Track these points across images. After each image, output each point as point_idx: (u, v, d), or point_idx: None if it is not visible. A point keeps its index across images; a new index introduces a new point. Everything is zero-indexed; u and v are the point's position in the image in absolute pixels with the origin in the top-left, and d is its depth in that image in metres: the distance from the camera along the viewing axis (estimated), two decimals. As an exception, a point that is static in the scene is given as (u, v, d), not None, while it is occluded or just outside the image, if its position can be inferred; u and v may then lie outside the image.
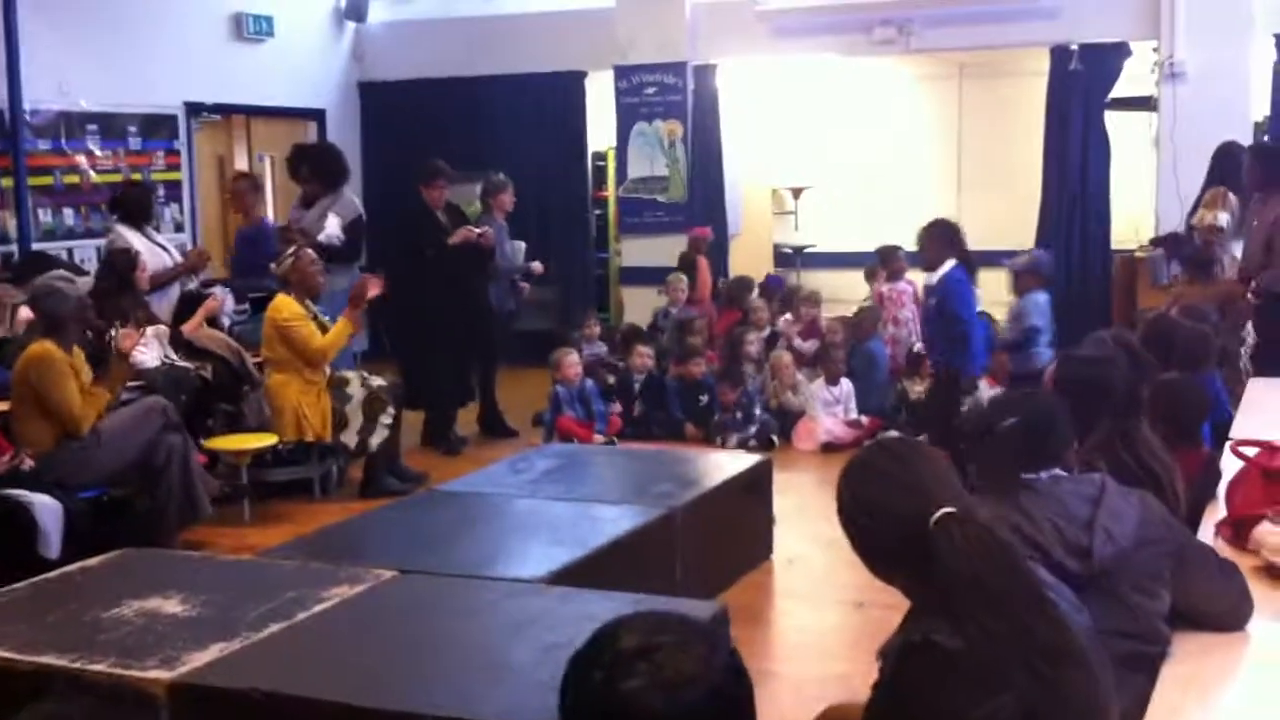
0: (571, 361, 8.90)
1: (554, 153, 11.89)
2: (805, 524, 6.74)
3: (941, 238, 7.14)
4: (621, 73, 11.26)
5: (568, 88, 11.89)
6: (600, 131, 11.98)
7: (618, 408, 8.95)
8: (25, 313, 6.60)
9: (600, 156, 12.30)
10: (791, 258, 12.51)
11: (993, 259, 10.58)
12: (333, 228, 8.00)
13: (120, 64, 10.05)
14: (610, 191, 12.14)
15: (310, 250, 7.38)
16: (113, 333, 6.32)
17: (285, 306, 7.19)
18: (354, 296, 7.41)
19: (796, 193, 12.46)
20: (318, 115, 12.19)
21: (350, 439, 7.23)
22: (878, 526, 2.19)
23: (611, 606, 3.10)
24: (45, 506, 5.49)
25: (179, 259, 8.18)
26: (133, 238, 8.03)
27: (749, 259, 11.71)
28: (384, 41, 12.54)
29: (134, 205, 8.16)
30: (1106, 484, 2.82)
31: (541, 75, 11.83)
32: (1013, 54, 10.95)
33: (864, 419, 8.81)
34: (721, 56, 11.21)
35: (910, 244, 10.16)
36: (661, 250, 11.17)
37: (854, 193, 12.22)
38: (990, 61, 11.37)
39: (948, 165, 11.99)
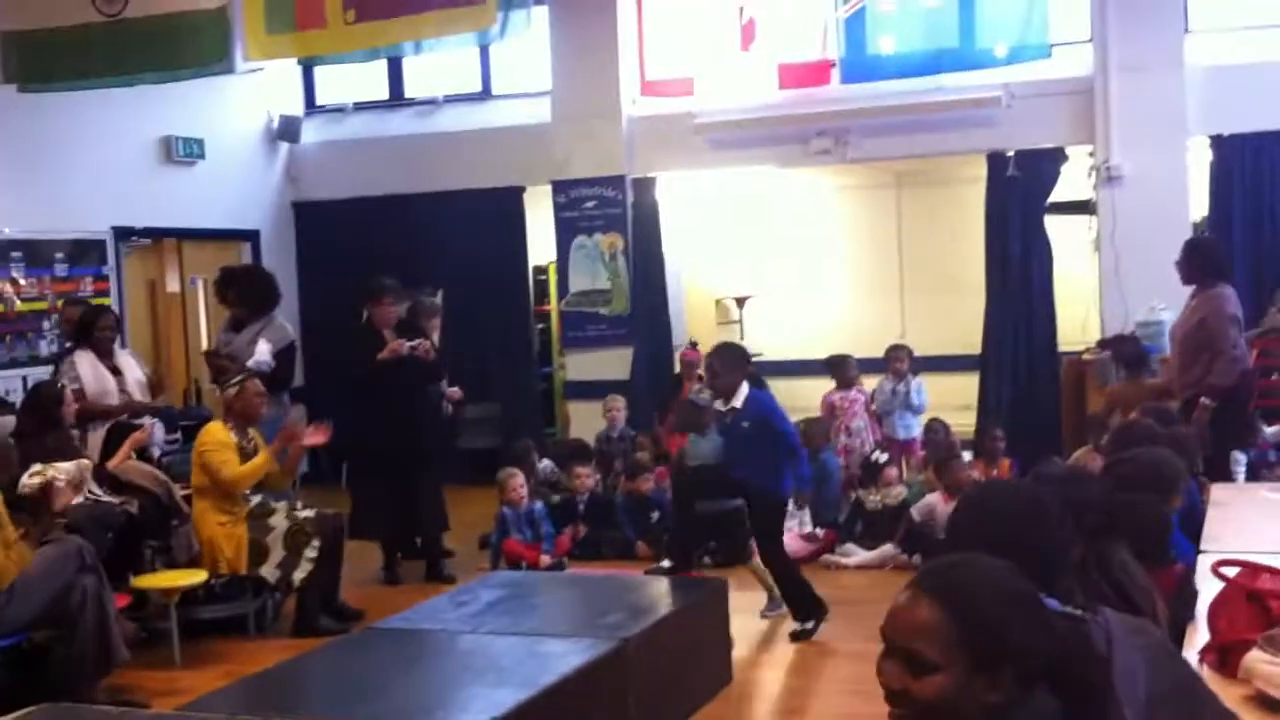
0: (517, 484, 8.65)
1: (493, 268, 11.73)
2: (764, 645, 6.52)
3: (734, 362, 6.87)
4: (559, 187, 11.18)
5: (506, 203, 11.78)
6: (540, 246, 11.86)
7: (573, 531, 8.69)
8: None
9: (541, 271, 12.17)
10: (737, 368, 12.36)
11: (939, 364, 10.56)
12: (263, 354, 7.75)
13: (45, 190, 9.85)
14: (553, 305, 11.99)
15: (257, 380, 7.14)
16: (29, 478, 6.02)
17: (210, 433, 6.96)
18: (283, 436, 7.16)
19: (740, 302, 12.37)
20: (251, 236, 12.00)
21: (270, 572, 6.92)
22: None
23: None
24: (-45, 660, 5.13)
25: (134, 386, 7.88)
26: (84, 363, 7.76)
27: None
28: (317, 161, 12.41)
29: (94, 329, 7.91)
30: (1112, 630, 2.55)
31: (479, 191, 11.73)
32: (950, 161, 10.98)
33: (819, 531, 8.60)
34: (660, 170, 11.17)
35: (859, 350, 10.17)
36: (606, 364, 11.02)
37: (799, 301, 12.16)
38: (927, 169, 11.40)
39: (890, 272, 11.95)
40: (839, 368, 9.91)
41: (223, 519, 6.95)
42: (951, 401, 10.33)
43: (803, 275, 12.12)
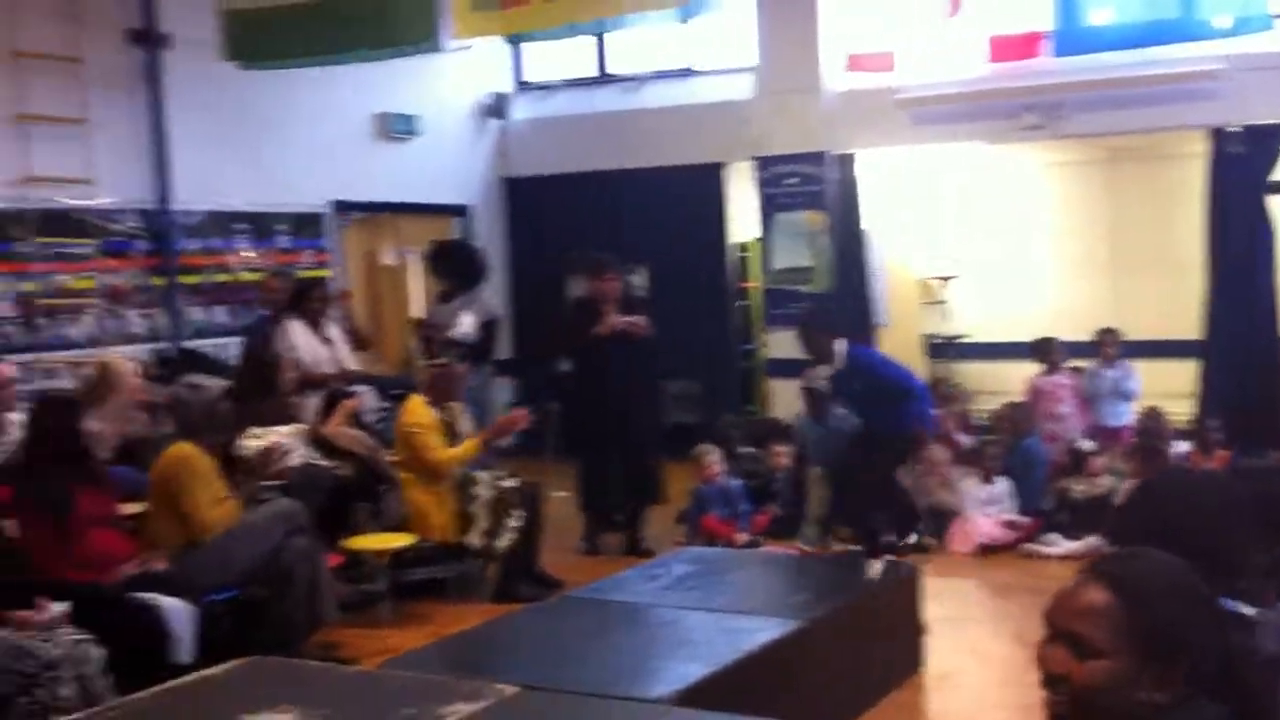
0: (712, 461, 8.72)
1: (695, 245, 11.81)
2: (961, 634, 6.41)
3: (819, 328, 6.94)
4: (762, 163, 11.16)
5: (707, 179, 11.84)
6: (741, 223, 11.87)
7: (770, 510, 8.72)
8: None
9: (743, 248, 12.19)
10: (944, 348, 12.18)
11: (1154, 349, 10.19)
12: (467, 325, 7.99)
13: (268, 165, 10.30)
14: (754, 283, 11.99)
15: (461, 366, 7.36)
16: (249, 440, 6.36)
17: (414, 411, 7.19)
18: (498, 428, 7.36)
19: (945, 282, 12.16)
20: (463, 211, 12.33)
21: (476, 539, 7.14)
22: None
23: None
24: (176, 610, 5.45)
25: (346, 354, 8.26)
26: (298, 333, 8.15)
27: (898, 350, 11.36)
28: (526, 138, 12.67)
29: (308, 300, 8.32)
30: None
31: (681, 168, 11.80)
32: (1165, 137, 10.55)
33: (1022, 519, 8.41)
34: (861, 146, 11.03)
35: (1067, 333, 9.87)
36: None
37: (1006, 281, 11.88)
38: (1142, 145, 10.97)
39: (1101, 251, 11.57)
40: (1044, 350, 9.66)
41: (429, 487, 7.20)
42: (1166, 388, 9.95)
43: (1009, 255, 11.83)
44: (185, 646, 5.45)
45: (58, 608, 5.06)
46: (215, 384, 6.38)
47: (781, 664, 4.81)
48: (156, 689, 4.38)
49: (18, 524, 5.46)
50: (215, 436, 6.11)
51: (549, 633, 5.16)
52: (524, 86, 12.96)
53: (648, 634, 5.10)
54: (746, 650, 4.68)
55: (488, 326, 8.20)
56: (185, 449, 5.94)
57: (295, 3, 8.88)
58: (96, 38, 9.16)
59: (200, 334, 9.74)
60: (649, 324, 8.37)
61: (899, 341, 11.58)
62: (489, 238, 12.48)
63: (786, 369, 11.11)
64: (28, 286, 8.68)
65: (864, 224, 11.16)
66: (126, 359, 6.84)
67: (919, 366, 11.55)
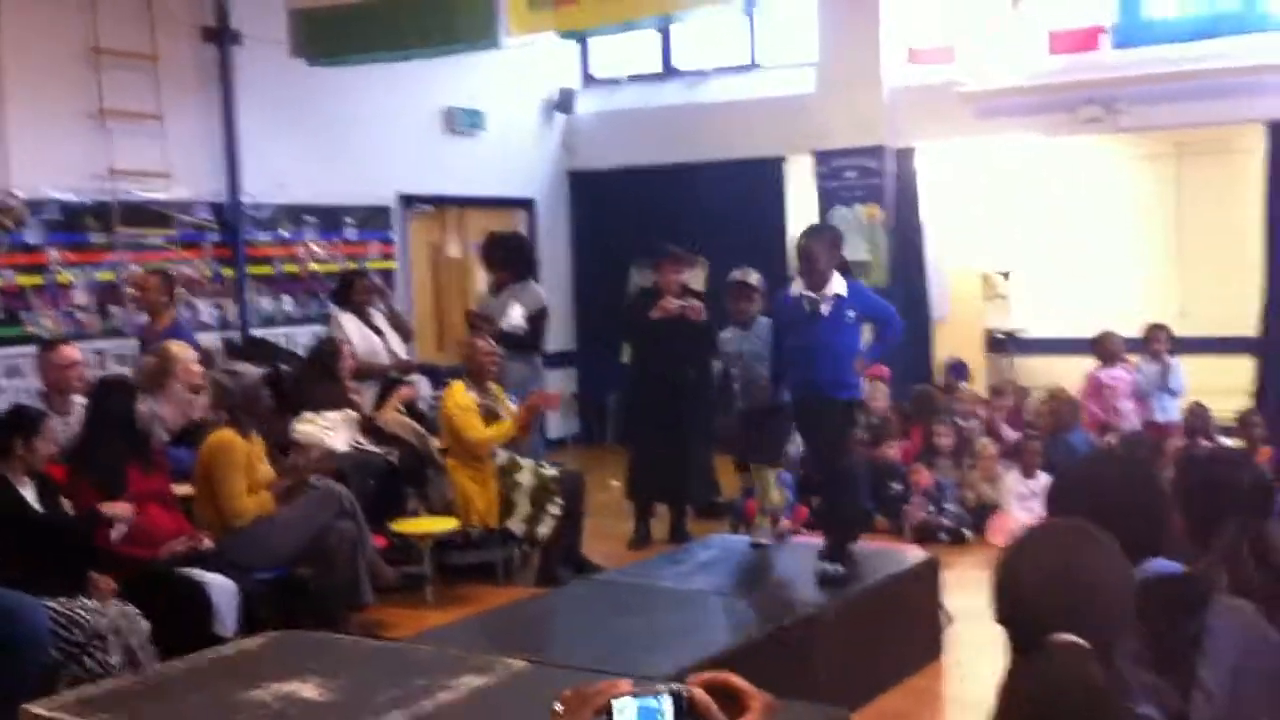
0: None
1: (754, 238, 11.88)
2: (986, 626, 6.48)
3: (833, 243, 5.89)
4: (821, 157, 11.24)
5: (767, 173, 11.97)
6: (801, 216, 11.95)
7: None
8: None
9: (803, 241, 12.25)
10: (1004, 343, 12.17)
11: (1214, 345, 10.11)
12: (516, 316, 8.20)
13: (337, 159, 10.59)
14: (813, 276, 12.04)
15: (485, 340, 7.58)
16: (301, 424, 6.63)
17: (453, 394, 7.41)
18: (530, 406, 7.57)
19: (1005, 276, 12.14)
20: (528, 204, 12.57)
21: (517, 526, 7.36)
22: None
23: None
24: (220, 586, 5.73)
25: (397, 344, 8.54)
26: (349, 324, 8.46)
27: (958, 344, 11.46)
28: (591, 132, 12.88)
29: (353, 292, 8.61)
30: (1214, 597, 2.61)
31: (742, 162, 11.93)
32: (1228, 130, 10.45)
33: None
34: (922, 139, 11.08)
35: (1129, 328, 9.82)
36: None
37: (1068, 276, 11.83)
38: (1205, 138, 10.88)
39: (1164, 247, 11.48)
40: (1103, 344, 9.65)
41: (472, 474, 7.43)
42: (1228, 384, 9.89)
43: (1071, 249, 11.78)
44: (228, 621, 5.73)
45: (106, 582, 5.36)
46: (253, 370, 6.63)
47: (785, 647, 4.95)
48: (192, 656, 4.67)
49: (73, 503, 5.75)
50: (254, 422, 6.36)
51: (568, 612, 5.37)
52: (590, 81, 13.16)
53: (661, 615, 5.27)
54: (748, 633, 4.83)
55: (536, 317, 8.39)
56: (225, 435, 6.22)
57: (361, 2, 9.16)
58: (171, 36, 9.48)
59: (269, 322, 10.07)
60: (704, 311, 8.46)
61: (959, 336, 11.62)
62: (553, 231, 12.71)
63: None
64: (103, 275, 9.05)
65: (923, 218, 11.20)
66: (185, 345, 7.10)
67: (979, 361, 11.59)
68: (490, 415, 7.53)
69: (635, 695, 1.54)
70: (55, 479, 5.76)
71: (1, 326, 8.49)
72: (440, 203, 11.75)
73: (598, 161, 12.77)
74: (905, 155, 11.11)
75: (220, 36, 9.86)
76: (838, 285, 5.82)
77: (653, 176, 12.33)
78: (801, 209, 11.81)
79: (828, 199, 11.28)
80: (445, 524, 7.33)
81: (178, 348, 7.07)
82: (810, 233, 6.01)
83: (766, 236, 11.96)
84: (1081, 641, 2.00)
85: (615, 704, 1.54)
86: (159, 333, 7.89)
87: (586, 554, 7.75)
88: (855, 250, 11.15)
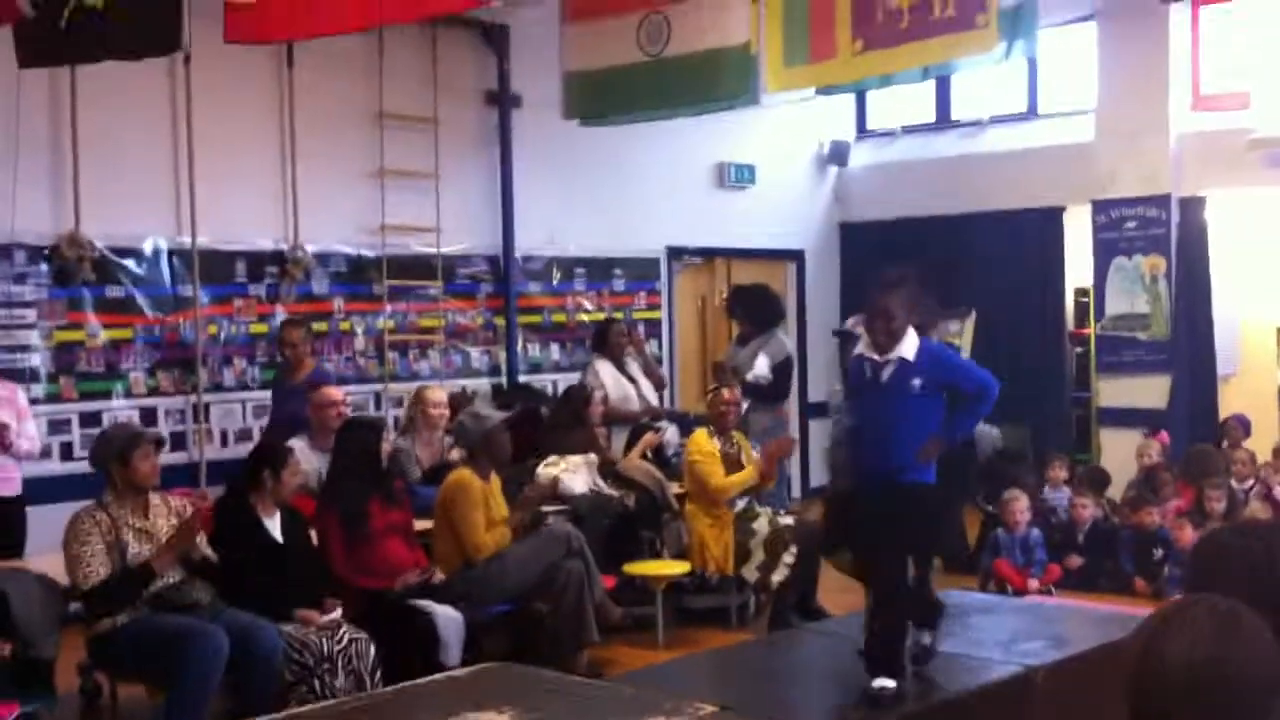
0: (1020, 508, 8.57)
1: (1030, 289, 11.62)
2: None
3: (913, 299, 5.05)
4: (1100, 207, 10.83)
5: (1045, 223, 11.65)
6: (1078, 268, 11.56)
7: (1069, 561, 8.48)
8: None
9: (1084, 293, 11.84)
10: (1300, 401, 11.36)
11: None
12: (761, 368, 8.26)
13: (608, 212, 10.95)
14: (1092, 329, 11.63)
15: (730, 389, 7.67)
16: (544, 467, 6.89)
17: (695, 442, 7.53)
18: (769, 454, 7.60)
19: (1304, 332, 11.34)
20: (797, 255, 12.62)
21: (751, 574, 7.38)
22: None
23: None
24: (447, 618, 6.00)
25: (649, 391, 8.78)
26: (605, 371, 8.75)
27: (1247, 400, 10.77)
28: (864, 183, 12.83)
29: (608, 339, 8.90)
30: None
31: (1019, 212, 11.65)
32: None
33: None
34: (1209, 188, 10.52)
35: None
36: (1141, 391, 10.55)
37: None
38: None
39: None
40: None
41: (710, 520, 7.52)
42: None
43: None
44: (453, 651, 5.99)
45: (337, 610, 5.70)
46: (496, 415, 6.90)
47: (990, 709, 4.79)
48: (405, 683, 4.91)
49: (318, 533, 6.15)
50: (491, 463, 6.64)
51: (770, 659, 5.34)
52: (865, 133, 13.13)
53: (861, 669, 5.18)
54: (951, 691, 4.71)
55: (781, 367, 8.43)
56: (463, 475, 6.51)
57: (628, 64, 9.46)
58: (454, 100, 10.06)
59: (535, 369, 10.48)
60: None
61: (1250, 391, 10.95)
62: (823, 282, 12.70)
63: (1119, 418, 10.74)
64: (382, 324, 9.64)
65: (1211, 269, 10.63)
66: (436, 388, 7.48)
67: (1270, 419, 10.85)
68: (732, 463, 7.61)
69: None
70: (303, 512, 6.17)
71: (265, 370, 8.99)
72: (709, 254, 11.94)
73: (870, 213, 12.71)
74: (1192, 205, 10.58)
75: (501, 100, 10.38)
76: (906, 347, 5.02)
77: (925, 226, 12.16)
78: (1079, 259, 11.42)
79: (1106, 249, 10.85)
80: (678, 567, 7.44)
81: (429, 391, 7.46)
82: (888, 283, 5.10)
83: (1044, 288, 11.64)
84: None
85: None
86: (300, 382, 7.91)
87: (823, 603, 7.69)
88: (1134, 302, 10.72)
